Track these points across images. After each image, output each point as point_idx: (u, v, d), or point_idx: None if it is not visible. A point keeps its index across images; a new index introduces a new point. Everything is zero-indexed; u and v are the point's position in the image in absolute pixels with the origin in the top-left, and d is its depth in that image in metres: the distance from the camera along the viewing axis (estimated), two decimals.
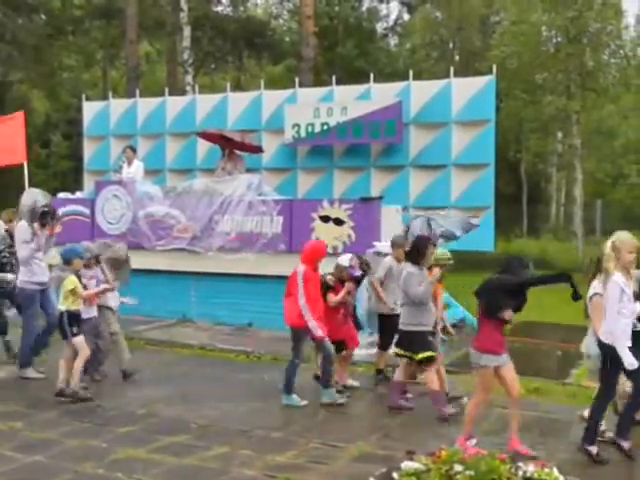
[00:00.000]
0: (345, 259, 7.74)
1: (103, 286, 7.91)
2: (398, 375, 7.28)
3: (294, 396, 7.30)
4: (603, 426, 5.97)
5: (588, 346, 6.30)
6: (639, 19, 33.94)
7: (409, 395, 7.41)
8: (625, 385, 6.01)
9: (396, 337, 7.39)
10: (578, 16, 21.56)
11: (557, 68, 22.76)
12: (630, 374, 5.72)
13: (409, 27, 33.05)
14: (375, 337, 8.69)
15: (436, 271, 7.06)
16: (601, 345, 5.75)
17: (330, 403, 7.23)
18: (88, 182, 14.87)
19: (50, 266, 8.40)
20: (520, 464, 4.31)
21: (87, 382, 7.67)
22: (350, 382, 7.97)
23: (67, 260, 7.54)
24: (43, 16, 26.71)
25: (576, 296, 5.41)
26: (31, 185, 10.36)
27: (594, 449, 5.73)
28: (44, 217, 8.08)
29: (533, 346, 10.30)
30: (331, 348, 7.31)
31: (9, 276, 8.69)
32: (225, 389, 7.92)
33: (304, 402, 7.28)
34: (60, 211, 9.44)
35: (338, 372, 7.75)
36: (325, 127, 12.80)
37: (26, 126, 11.91)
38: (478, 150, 12.03)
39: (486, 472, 4.14)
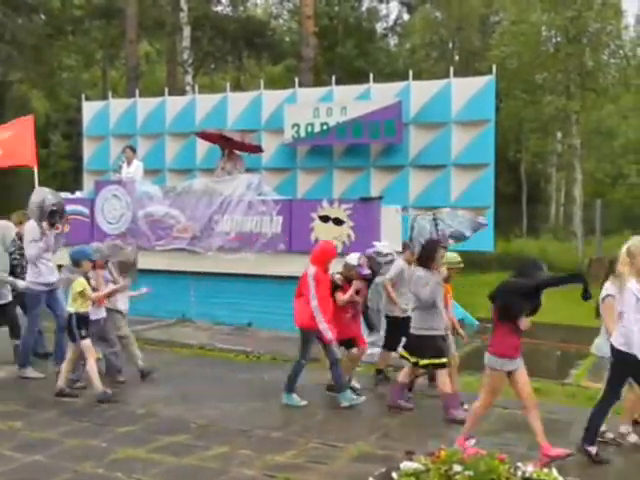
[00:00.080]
0: (354, 258, 7.68)
1: (112, 287, 7.81)
2: (402, 376, 7.26)
3: (294, 396, 7.30)
4: (603, 427, 5.97)
5: (599, 347, 6.31)
6: (639, 19, 34.01)
7: (409, 395, 7.40)
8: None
9: (404, 340, 7.38)
10: (578, 16, 21.61)
11: (557, 68, 22.80)
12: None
13: (409, 27, 33.08)
14: (375, 337, 8.67)
15: (442, 270, 7.05)
16: (612, 349, 5.75)
17: (350, 406, 7.20)
18: (88, 182, 14.85)
19: (59, 266, 8.26)
20: (519, 464, 4.31)
21: (109, 384, 7.57)
22: (352, 383, 7.95)
23: (76, 262, 7.42)
24: (43, 16, 26.70)
25: (586, 296, 5.40)
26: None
27: (594, 449, 5.73)
28: (53, 216, 7.91)
29: (533, 346, 10.29)
30: (338, 352, 7.30)
31: (20, 283, 8.41)
32: (225, 389, 7.92)
33: (304, 402, 7.28)
34: None
35: (345, 370, 7.72)
36: (325, 127, 12.78)
37: None
38: (478, 150, 12.02)
39: (485, 472, 4.13)
